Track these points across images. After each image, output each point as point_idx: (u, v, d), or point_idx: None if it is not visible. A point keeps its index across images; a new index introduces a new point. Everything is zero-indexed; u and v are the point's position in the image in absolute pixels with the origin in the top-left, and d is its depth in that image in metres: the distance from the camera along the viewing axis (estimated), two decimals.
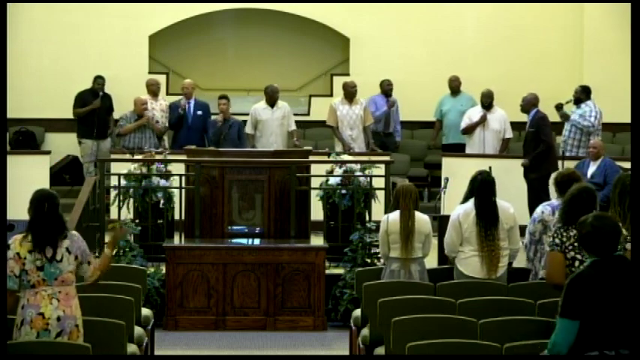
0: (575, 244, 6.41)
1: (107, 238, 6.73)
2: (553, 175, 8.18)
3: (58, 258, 6.21)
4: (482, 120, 13.65)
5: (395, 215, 8.29)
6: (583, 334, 5.23)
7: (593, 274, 5.26)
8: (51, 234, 6.22)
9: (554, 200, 8.11)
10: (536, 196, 12.04)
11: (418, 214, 8.33)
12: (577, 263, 6.40)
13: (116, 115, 14.45)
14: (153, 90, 14.09)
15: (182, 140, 13.29)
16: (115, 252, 10.02)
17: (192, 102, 13.88)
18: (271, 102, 13.72)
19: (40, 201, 6.29)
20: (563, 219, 6.58)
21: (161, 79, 15.16)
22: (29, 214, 6.32)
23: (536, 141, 12.38)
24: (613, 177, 12.00)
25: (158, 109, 13.97)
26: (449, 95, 14.76)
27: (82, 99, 14.51)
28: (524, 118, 12.97)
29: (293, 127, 13.81)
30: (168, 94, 15.30)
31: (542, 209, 8.11)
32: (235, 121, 13.26)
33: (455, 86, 14.70)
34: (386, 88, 14.59)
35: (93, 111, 14.36)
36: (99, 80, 14.61)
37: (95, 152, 14.19)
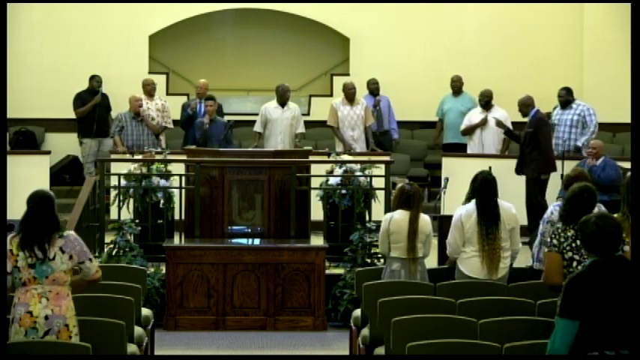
0: (573, 244, 6.41)
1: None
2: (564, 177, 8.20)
3: (50, 256, 6.19)
4: (483, 123, 13.65)
5: (398, 215, 8.27)
6: (583, 335, 5.22)
7: (592, 274, 5.26)
8: (40, 233, 6.20)
9: None
10: (529, 196, 12.03)
11: (420, 215, 8.32)
12: (575, 264, 6.40)
13: (113, 114, 14.46)
14: (148, 90, 14.08)
15: (192, 139, 13.29)
16: (114, 252, 10.10)
17: (203, 102, 13.87)
18: (282, 101, 13.73)
19: (29, 201, 6.30)
20: (564, 217, 6.58)
21: (161, 79, 15.17)
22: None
23: (534, 142, 12.28)
24: (611, 170, 12.06)
25: (154, 108, 13.94)
26: (450, 95, 14.76)
27: (80, 99, 14.52)
28: (523, 118, 12.96)
29: (300, 130, 13.81)
30: (168, 94, 15.32)
31: (552, 209, 8.13)
32: (220, 120, 13.25)
33: (456, 86, 14.69)
34: (371, 87, 14.61)
35: (93, 110, 14.40)
36: (97, 78, 14.62)
37: (96, 152, 14.18)
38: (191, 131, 13.67)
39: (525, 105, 12.45)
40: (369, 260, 10.20)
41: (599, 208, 7.21)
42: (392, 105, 14.69)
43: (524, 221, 11.31)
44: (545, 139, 12.36)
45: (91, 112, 14.40)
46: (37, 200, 6.28)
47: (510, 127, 13.43)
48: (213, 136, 12.94)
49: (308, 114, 15.64)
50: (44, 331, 6.14)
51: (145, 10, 15.63)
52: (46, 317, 6.15)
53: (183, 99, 14.52)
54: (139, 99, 13.74)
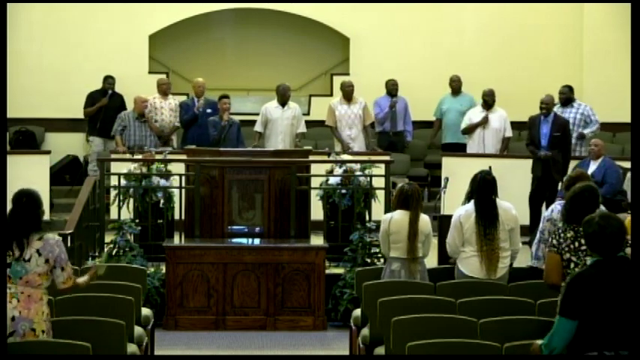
0: (572, 245, 6.43)
1: (85, 277, 6.60)
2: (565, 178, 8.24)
3: (26, 257, 6.10)
4: (484, 121, 13.64)
5: (397, 215, 8.27)
6: (583, 334, 5.23)
7: (594, 274, 5.26)
8: (19, 231, 6.12)
9: None
10: (549, 196, 11.98)
11: (420, 215, 8.31)
12: (572, 265, 6.42)
13: None
14: (163, 89, 14.10)
15: (191, 138, 13.30)
16: (114, 252, 10.10)
17: (202, 101, 13.88)
18: (282, 101, 13.72)
19: (13, 198, 6.22)
20: (565, 217, 6.60)
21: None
22: None
23: (561, 146, 12.30)
24: (612, 176, 12.05)
25: (167, 108, 13.96)
26: (449, 95, 14.76)
27: (91, 98, 14.65)
28: (524, 117, 12.97)
29: (301, 129, 13.80)
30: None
31: (553, 208, 8.15)
32: (234, 121, 13.27)
33: (455, 86, 14.70)
34: (390, 88, 14.61)
35: (100, 108, 14.44)
36: (109, 80, 14.68)
37: (102, 151, 14.18)
38: (191, 130, 13.68)
39: (553, 104, 12.56)
40: (369, 260, 10.20)
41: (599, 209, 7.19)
42: (409, 107, 14.68)
43: (525, 221, 11.30)
44: (570, 142, 12.47)
45: (97, 111, 14.45)
46: (19, 198, 6.20)
47: (509, 127, 13.54)
48: (229, 135, 12.95)
49: (308, 114, 15.63)
50: (9, 332, 6.04)
51: (145, 10, 15.63)
52: (13, 318, 6.06)
53: (184, 99, 14.51)
54: (145, 100, 13.77)
